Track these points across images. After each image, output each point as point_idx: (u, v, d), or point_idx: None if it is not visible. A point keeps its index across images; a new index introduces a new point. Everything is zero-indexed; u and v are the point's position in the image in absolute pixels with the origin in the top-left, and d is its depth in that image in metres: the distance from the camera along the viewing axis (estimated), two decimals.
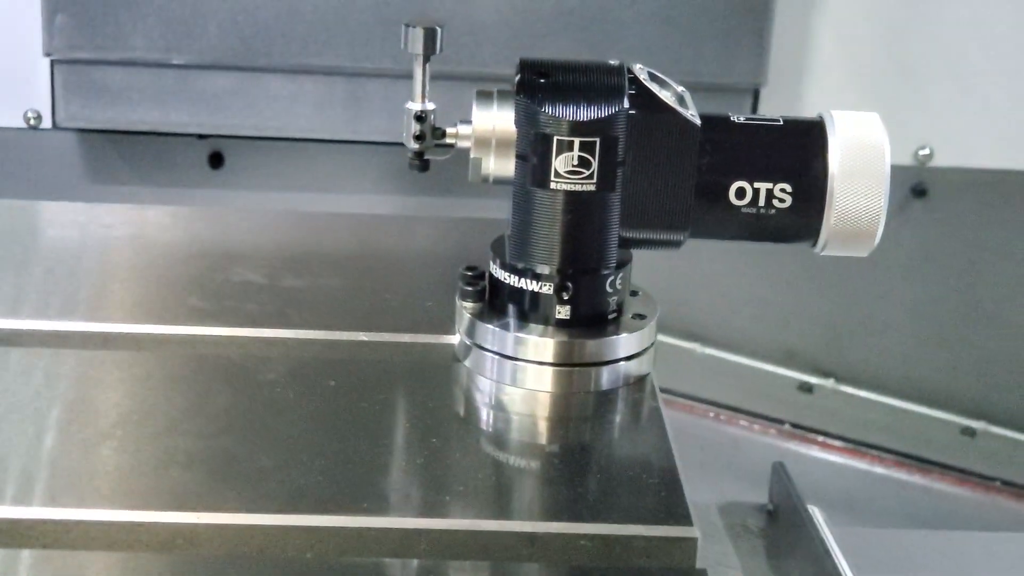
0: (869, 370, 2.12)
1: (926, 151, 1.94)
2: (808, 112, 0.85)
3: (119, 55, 1.83)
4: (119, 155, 1.96)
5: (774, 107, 1.90)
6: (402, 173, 1.96)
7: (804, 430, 2.13)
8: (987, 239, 2.05)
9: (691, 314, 2.14)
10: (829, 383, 2.12)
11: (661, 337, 2.14)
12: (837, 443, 2.12)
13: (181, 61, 1.83)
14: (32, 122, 1.87)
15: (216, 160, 1.98)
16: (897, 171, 1.98)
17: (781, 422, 2.13)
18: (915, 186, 2.01)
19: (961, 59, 1.90)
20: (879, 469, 2.11)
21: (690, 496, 0.74)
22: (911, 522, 2.01)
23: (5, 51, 1.85)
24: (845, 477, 2.11)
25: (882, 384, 2.12)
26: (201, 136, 1.94)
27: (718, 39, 1.85)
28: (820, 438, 2.13)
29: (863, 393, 2.12)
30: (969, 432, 2.10)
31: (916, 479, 2.10)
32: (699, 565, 0.85)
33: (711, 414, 2.13)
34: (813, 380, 2.13)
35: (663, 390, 2.12)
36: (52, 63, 1.84)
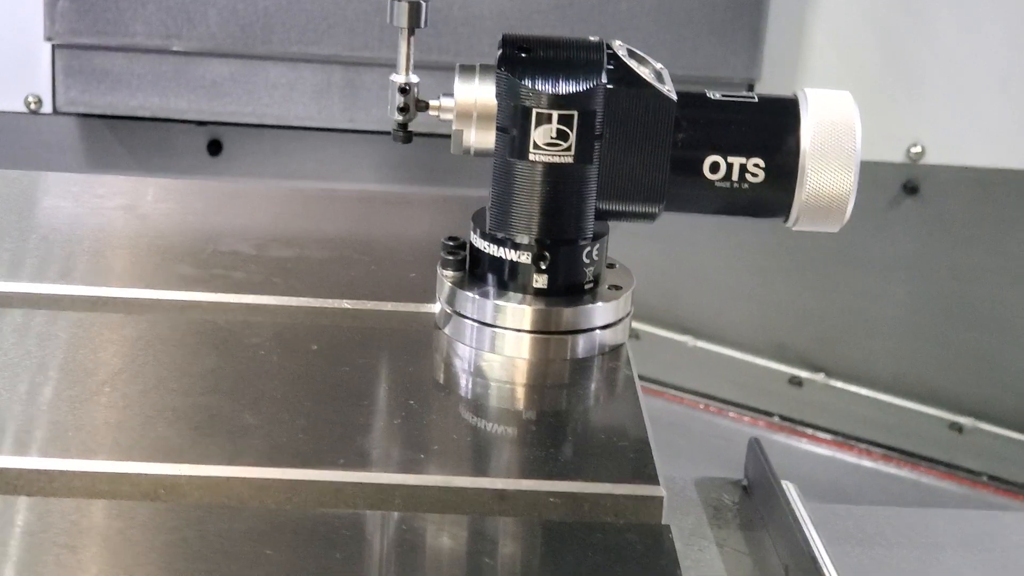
0: (859, 365, 2.14)
1: (918, 148, 1.96)
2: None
3: (120, 41, 1.85)
4: (118, 140, 1.98)
5: None
6: (399, 162, 1.98)
7: (793, 423, 2.15)
8: (978, 236, 2.07)
9: (684, 307, 2.16)
10: (819, 377, 2.14)
11: (654, 330, 2.16)
12: (826, 436, 2.14)
13: (181, 48, 1.86)
14: (32, 106, 1.89)
15: (215, 147, 2.00)
16: (889, 168, 2.01)
17: (770, 414, 2.15)
18: (907, 183, 2.03)
19: (953, 57, 1.92)
20: (867, 462, 2.13)
21: (660, 461, 0.76)
22: None
23: (6, 35, 1.87)
24: (833, 469, 2.12)
25: (871, 379, 2.14)
26: (200, 123, 1.96)
27: (713, 34, 1.87)
28: (809, 431, 2.14)
29: (853, 388, 2.14)
30: (957, 427, 2.11)
31: (904, 473, 2.12)
32: (674, 538, 0.87)
33: (701, 405, 2.15)
34: (803, 374, 2.15)
35: (654, 380, 2.13)
36: (53, 48, 1.86)
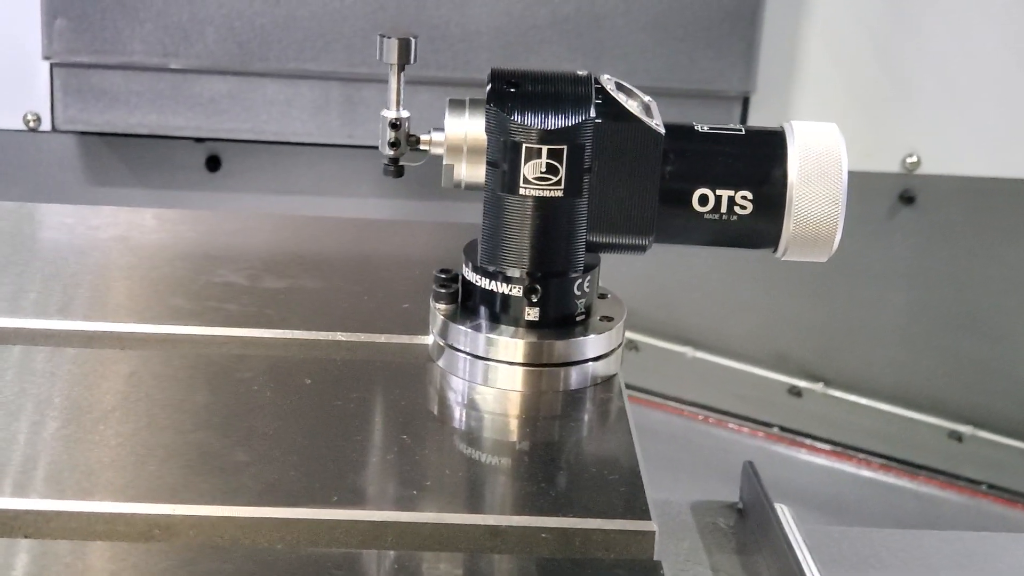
0: (858, 375, 2.14)
1: (914, 158, 1.96)
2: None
3: (118, 59, 1.85)
4: (118, 158, 1.99)
5: (763, 114, 1.92)
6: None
7: (793, 433, 2.15)
8: (975, 245, 2.08)
9: (683, 318, 2.16)
10: (819, 387, 2.14)
11: (653, 341, 2.16)
12: (825, 447, 2.14)
13: (179, 65, 1.86)
14: (31, 124, 1.90)
15: (213, 163, 2.01)
16: (885, 178, 2.01)
17: (770, 425, 2.15)
18: (903, 193, 2.03)
19: (948, 67, 1.93)
20: (867, 472, 2.13)
21: (651, 493, 0.76)
22: (898, 525, 2.03)
23: (5, 54, 1.88)
24: (833, 480, 2.13)
25: (871, 389, 2.14)
26: (199, 140, 1.97)
27: (709, 48, 1.88)
28: (808, 441, 2.15)
29: (852, 397, 2.14)
30: (957, 436, 2.12)
31: (904, 483, 2.12)
32: (669, 561, 0.87)
33: (700, 416, 2.15)
34: (803, 384, 2.15)
35: (654, 392, 2.13)
36: (51, 66, 1.86)
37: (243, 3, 1.83)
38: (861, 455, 2.13)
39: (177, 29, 1.84)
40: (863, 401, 2.14)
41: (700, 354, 2.16)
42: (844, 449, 2.14)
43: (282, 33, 1.85)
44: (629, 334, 2.11)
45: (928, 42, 1.92)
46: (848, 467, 2.13)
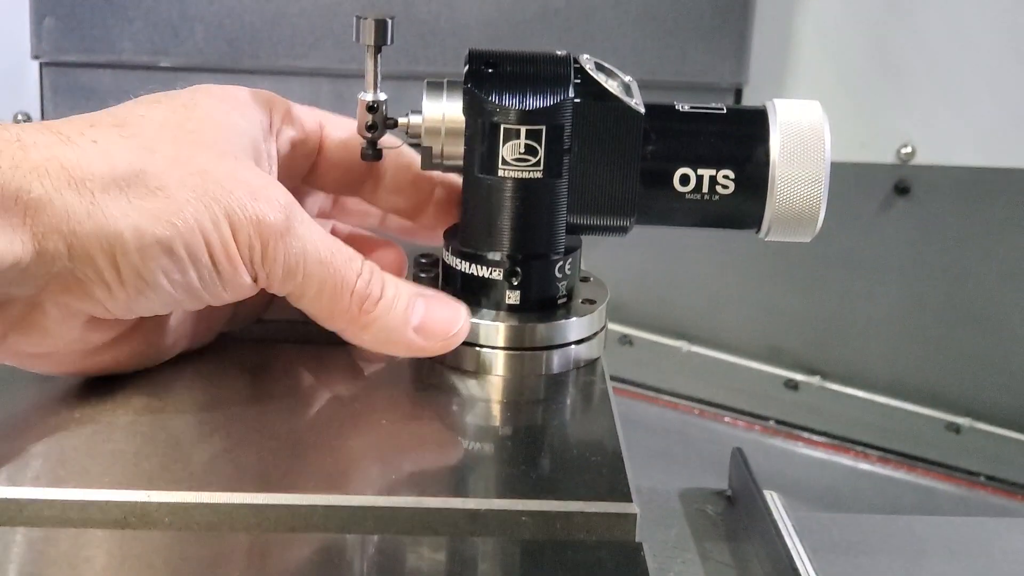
0: (854, 367, 2.13)
1: (908, 149, 1.95)
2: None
3: (107, 58, 1.84)
4: None
5: None
6: None
7: (790, 427, 2.14)
8: (970, 236, 2.07)
9: (677, 312, 2.15)
10: (815, 380, 2.14)
11: (647, 336, 2.15)
12: (822, 440, 2.14)
13: (168, 64, 1.85)
14: None
15: None
16: (880, 169, 2.00)
17: (766, 419, 2.15)
18: (898, 184, 2.02)
19: (943, 57, 1.92)
20: (864, 465, 2.12)
21: (633, 476, 0.75)
22: None
23: None
24: (830, 473, 2.12)
25: (867, 381, 2.13)
26: None
27: (700, 39, 1.87)
28: (805, 435, 2.14)
29: (849, 390, 2.14)
30: (954, 428, 2.11)
31: (902, 475, 2.12)
32: (657, 549, 0.86)
33: (696, 411, 2.14)
34: (799, 377, 2.14)
35: (648, 387, 2.11)
36: (40, 66, 1.86)
37: (232, 0, 1.83)
38: (858, 448, 2.12)
39: (166, 27, 1.84)
40: (859, 394, 2.13)
41: (695, 348, 2.15)
42: (841, 442, 2.13)
43: (271, 30, 1.85)
44: (623, 329, 2.10)
45: (923, 32, 1.91)
46: (845, 460, 2.12)
